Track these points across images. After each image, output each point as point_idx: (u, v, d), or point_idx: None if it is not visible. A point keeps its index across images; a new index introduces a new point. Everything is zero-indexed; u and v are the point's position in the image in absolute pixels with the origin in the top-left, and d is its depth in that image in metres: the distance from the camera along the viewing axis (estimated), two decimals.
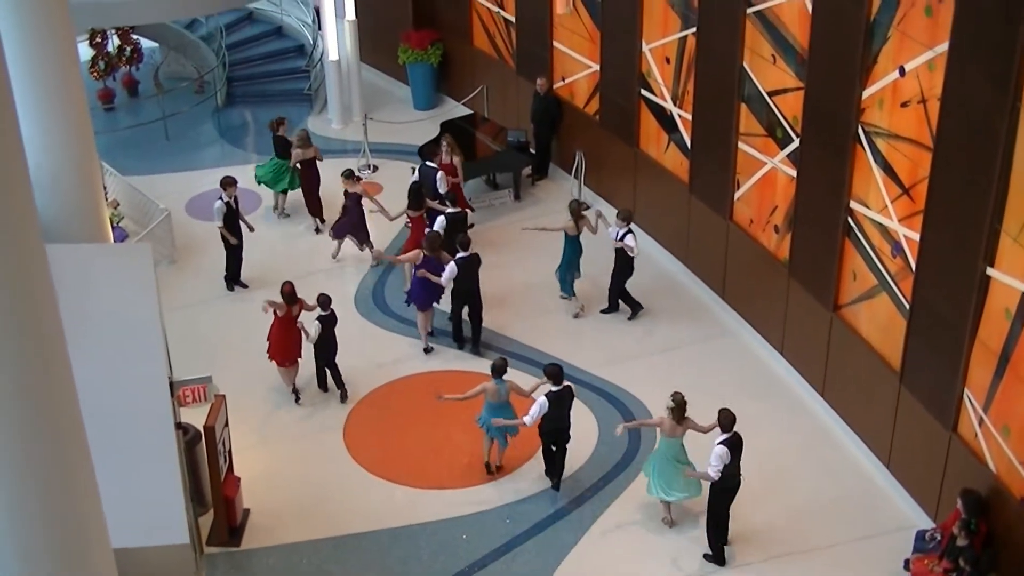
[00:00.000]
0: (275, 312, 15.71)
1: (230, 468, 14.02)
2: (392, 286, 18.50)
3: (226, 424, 13.77)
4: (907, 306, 13.68)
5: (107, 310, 12.17)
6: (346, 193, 18.75)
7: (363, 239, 19.06)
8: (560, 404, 14.21)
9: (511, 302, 17.98)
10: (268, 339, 16.02)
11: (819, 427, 15.53)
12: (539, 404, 14.09)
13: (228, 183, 18.09)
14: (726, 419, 13.22)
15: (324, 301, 15.86)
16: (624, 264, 17.38)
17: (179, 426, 12.66)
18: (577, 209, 17.53)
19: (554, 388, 14.17)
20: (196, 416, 13.69)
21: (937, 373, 13.32)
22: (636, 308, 17.72)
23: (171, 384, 12.22)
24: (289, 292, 15.70)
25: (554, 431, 14.38)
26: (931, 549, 12.96)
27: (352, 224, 18.94)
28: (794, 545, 13.77)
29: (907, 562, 13.19)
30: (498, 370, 14.52)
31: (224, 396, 13.66)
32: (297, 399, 16.15)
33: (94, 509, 7.19)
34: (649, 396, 15.99)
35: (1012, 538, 12.36)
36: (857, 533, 13.98)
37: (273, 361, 16.06)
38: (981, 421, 12.77)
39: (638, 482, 14.56)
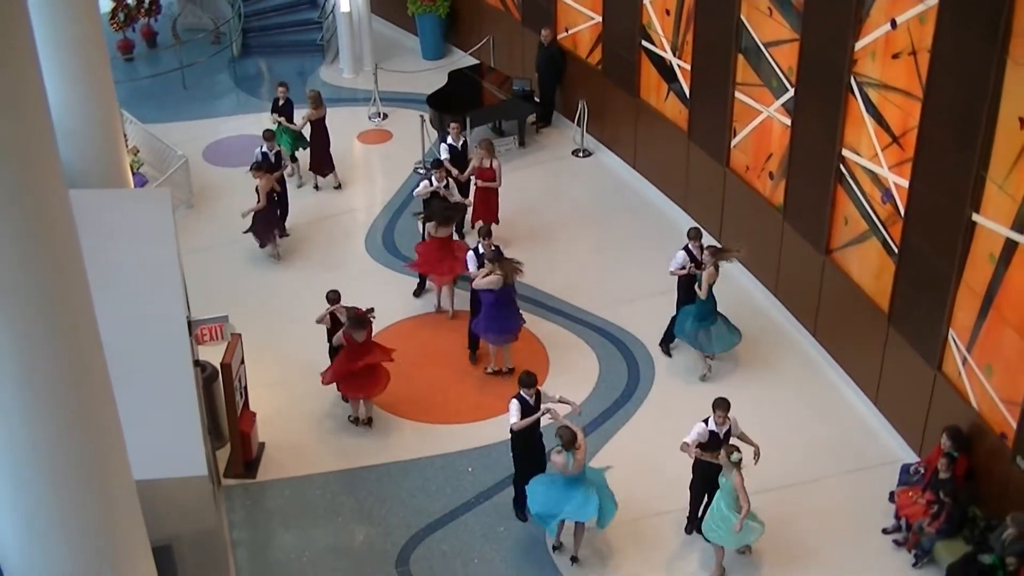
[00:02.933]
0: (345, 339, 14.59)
1: (246, 404, 14.30)
2: (401, 228, 18.77)
3: (242, 361, 14.02)
4: (896, 250, 13.89)
5: (128, 253, 12.33)
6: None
7: (272, 233, 18.02)
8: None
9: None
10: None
11: (810, 366, 15.81)
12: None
13: (270, 136, 18.26)
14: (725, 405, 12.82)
15: (333, 298, 14.86)
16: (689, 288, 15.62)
17: (197, 363, 12.92)
18: (710, 253, 15.20)
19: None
20: (213, 354, 14.04)
21: (924, 315, 13.54)
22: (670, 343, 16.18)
23: (189, 323, 12.41)
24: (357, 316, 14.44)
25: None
26: (915, 482, 13.25)
27: (266, 218, 17.82)
28: (784, 479, 13.95)
29: (892, 494, 13.53)
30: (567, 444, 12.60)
31: (240, 335, 13.96)
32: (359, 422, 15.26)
33: (117, 443, 7.45)
34: (645, 334, 16.38)
35: (991, 472, 12.67)
36: (845, 467, 14.27)
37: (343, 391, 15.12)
38: (965, 361, 13.03)
39: (639, 415, 14.97)
